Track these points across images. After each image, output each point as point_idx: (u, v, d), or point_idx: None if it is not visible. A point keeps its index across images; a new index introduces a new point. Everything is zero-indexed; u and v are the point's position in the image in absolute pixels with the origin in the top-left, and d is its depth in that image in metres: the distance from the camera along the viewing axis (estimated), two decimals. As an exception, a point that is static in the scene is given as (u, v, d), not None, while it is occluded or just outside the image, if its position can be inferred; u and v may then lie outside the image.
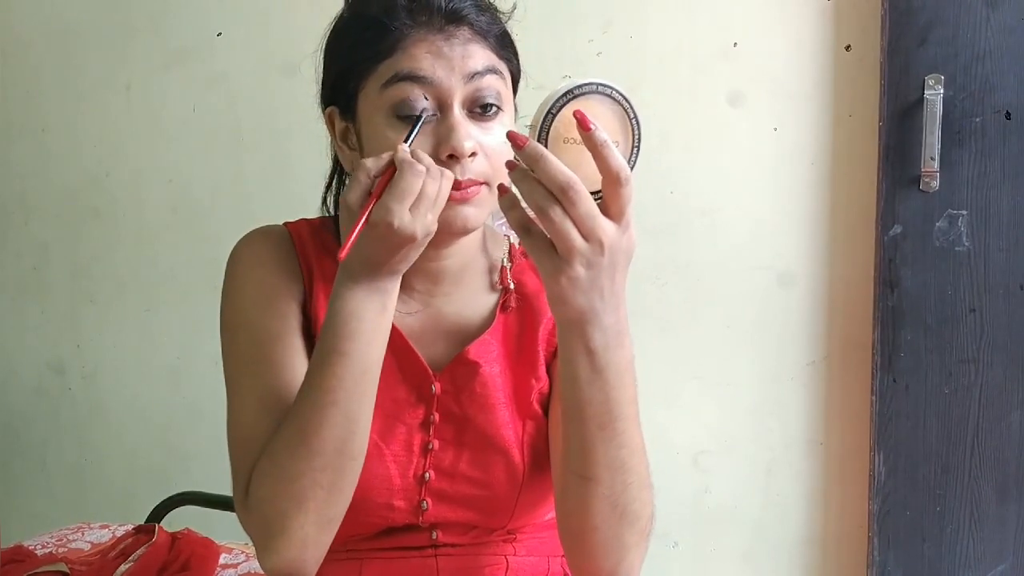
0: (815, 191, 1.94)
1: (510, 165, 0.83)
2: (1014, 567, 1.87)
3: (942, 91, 1.79)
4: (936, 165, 1.80)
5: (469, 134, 0.96)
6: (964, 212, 1.82)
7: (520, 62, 1.07)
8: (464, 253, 1.07)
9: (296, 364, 1.00)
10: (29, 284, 2.44)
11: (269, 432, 0.96)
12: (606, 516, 0.92)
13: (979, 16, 1.78)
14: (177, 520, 1.73)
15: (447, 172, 0.92)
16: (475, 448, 1.05)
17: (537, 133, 0.82)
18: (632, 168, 0.83)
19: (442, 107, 0.97)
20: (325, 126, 1.08)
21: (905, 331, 1.86)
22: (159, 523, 1.68)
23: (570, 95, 0.81)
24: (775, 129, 1.94)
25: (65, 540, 1.72)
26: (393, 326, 1.02)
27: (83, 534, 1.75)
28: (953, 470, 1.87)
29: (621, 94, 0.82)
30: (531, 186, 0.81)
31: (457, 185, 0.95)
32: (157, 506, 1.76)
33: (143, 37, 2.28)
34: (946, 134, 1.80)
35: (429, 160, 0.91)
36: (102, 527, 1.76)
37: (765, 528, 2.04)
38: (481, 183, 0.98)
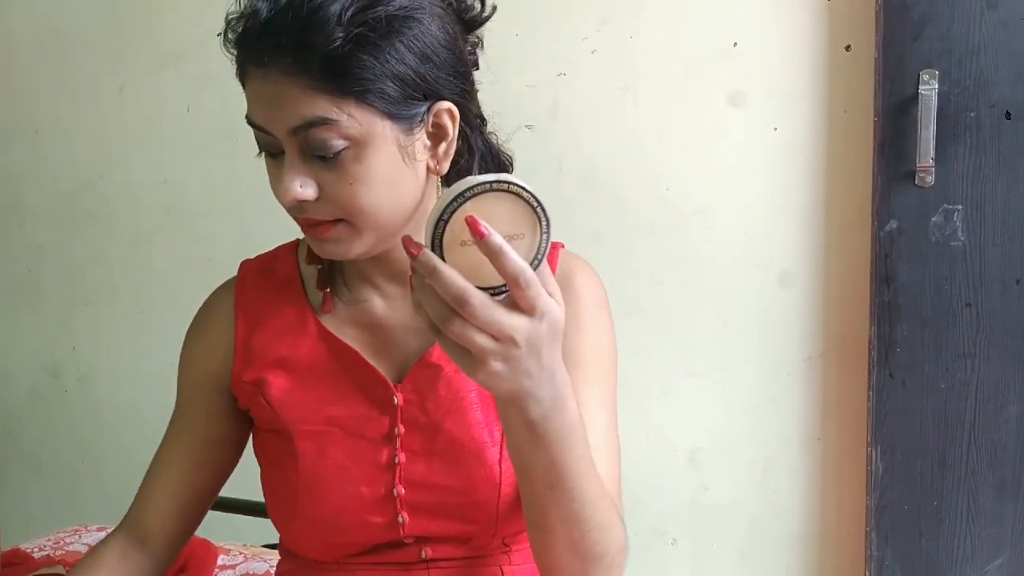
0: (810, 187, 1.94)
1: (413, 268, 0.76)
2: (1011, 561, 1.87)
3: (937, 86, 1.79)
4: (931, 160, 1.80)
5: (289, 187, 0.90)
6: (959, 207, 1.82)
7: (440, 66, 0.92)
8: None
9: (194, 430, 1.16)
10: (23, 286, 2.44)
11: (154, 477, 1.18)
12: (567, 559, 0.92)
13: (973, 11, 1.78)
14: (174, 522, 1.72)
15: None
16: (447, 455, 1.01)
17: (430, 242, 0.75)
18: (543, 255, 0.77)
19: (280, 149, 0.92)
20: None
21: (901, 326, 1.86)
22: (156, 525, 1.67)
23: (461, 198, 0.74)
24: (776, 129, 1.94)
25: (62, 543, 1.71)
26: (344, 343, 1.02)
27: (80, 536, 1.74)
28: (950, 465, 1.87)
29: (519, 186, 0.75)
30: (429, 296, 0.75)
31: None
32: (154, 508, 1.75)
33: (136, 38, 2.27)
34: (941, 129, 1.80)
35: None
36: (99, 529, 1.75)
37: (763, 525, 2.04)
38: (333, 221, 0.93)
